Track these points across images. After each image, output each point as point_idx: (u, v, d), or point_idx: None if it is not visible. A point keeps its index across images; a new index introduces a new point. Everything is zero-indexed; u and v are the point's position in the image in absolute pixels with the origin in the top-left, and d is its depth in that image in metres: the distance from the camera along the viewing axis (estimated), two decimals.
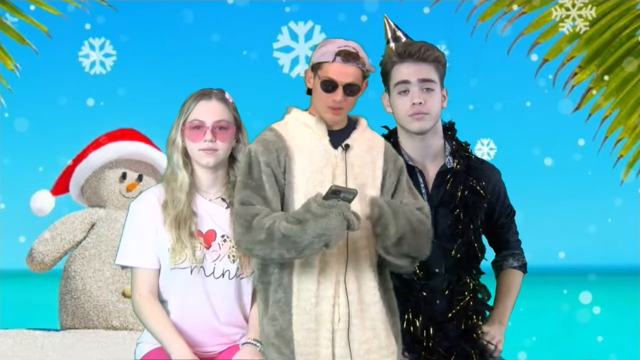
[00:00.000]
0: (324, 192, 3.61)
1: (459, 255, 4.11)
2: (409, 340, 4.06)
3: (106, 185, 6.58)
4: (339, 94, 3.72)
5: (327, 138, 3.77)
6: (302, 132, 3.77)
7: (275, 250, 3.61)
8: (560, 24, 7.50)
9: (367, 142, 3.83)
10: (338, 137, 3.79)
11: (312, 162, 3.73)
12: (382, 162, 3.82)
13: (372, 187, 3.78)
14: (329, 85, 3.72)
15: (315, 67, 3.76)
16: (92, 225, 6.46)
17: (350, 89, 3.74)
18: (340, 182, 3.70)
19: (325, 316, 3.69)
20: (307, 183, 3.70)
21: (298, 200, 3.69)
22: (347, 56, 3.72)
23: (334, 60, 3.72)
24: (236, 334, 4.03)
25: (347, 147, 3.77)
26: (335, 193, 3.57)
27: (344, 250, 3.70)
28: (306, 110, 3.84)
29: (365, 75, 3.78)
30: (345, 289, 3.71)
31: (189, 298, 3.97)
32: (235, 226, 3.74)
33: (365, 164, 3.79)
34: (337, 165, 3.74)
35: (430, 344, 4.07)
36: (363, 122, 3.86)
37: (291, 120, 3.81)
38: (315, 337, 3.69)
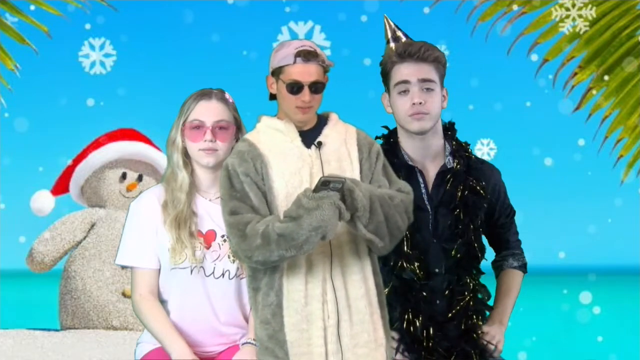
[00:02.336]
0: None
1: (459, 255, 4.10)
2: (409, 340, 4.06)
3: (106, 185, 6.59)
4: (305, 94, 3.75)
5: (299, 139, 3.78)
6: (274, 137, 3.79)
7: (275, 252, 3.61)
8: (560, 24, 7.50)
9: (339, 135, 3.83)
10: (310, 136, 3.80)
11: (288, 165, 3.74)
12: (356, 152, 3.83)
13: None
14: (294, 87, 3.75)
15: (277, 72, 3.79)
16: (92, 225, 6.47)
17: (316, 87, 3.76)
18: (318, 180, 3.69)
19: (315, 315, 3.69)
20: (287, 186, 3.71)
21: (280, 205, 3.70)
22: (307, 55, 3.75)
23: (294, 62, 3.75)
24: (236, 334, 4.03)
25: (319, 144, 3.79)
26: (324, 184, 3.58)
27: (327, 247, 3.71)
28: (275, 116, 3.85)
29: (325, 71, 3.81)
30: (333, 286, 3.72)
31: (188, 298, 3.97)
32: (230, 237, 3.74)
33: (341, 158, 3.80)
34: (313, 164, 3.75)
35: (430, 344, 4.07)
36: (333, 117, 3.87)
37: (262, 127, 3.83)
38: (307, 336, 3.70)
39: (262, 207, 3.71)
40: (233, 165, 3.75)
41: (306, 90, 3.75)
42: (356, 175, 3.79)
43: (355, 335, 3.72)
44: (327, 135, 3.82)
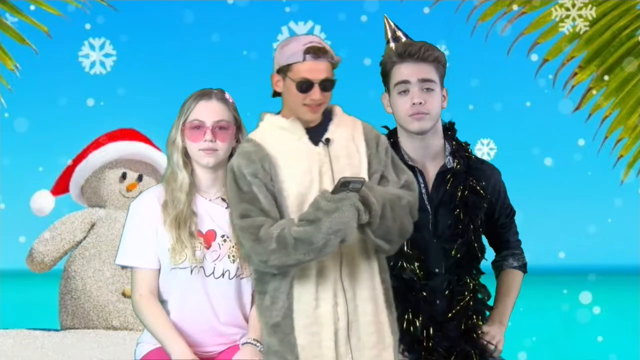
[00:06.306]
0: (313, 194, 3.56)
1: (459, 255, 4.11)
2: (409, 340, 4.06)
3: (106, 185, 6.58)
4: (316, 92, 3.62)
5: (306, 137, 3.66)
6: (280, 136, 3.66)
7: (292, 257, 3.51)
8: (560, 24, 7.50)
9: (347, 130, 3.72)
10: (316, 133, 3.68)
11: (297, 165, 3.62)
12: (364, 147, 3.71)
13: (363, 175, 3.67)
14: (304, 85, 3.61)
15: (284, 70, 3.65)
16: (92, 225, 6.47)
17: (326, 85, 3.63)
18: (327, 178, 3.62)
19: (326, 318, 3.62)
20: (298, 186, 3.60)
21: (290, 205, 3.60)
22: (317, 52, 3.62)
23: (304, 59, 3.61)
24: (236, 334, 4.03)
25: (327, 141, 3.67)
26: (344, 185, 3.49)
27: (337, 248, 3.60)
28: (278, 113, 3.74)
29: (334, 67, 3.68)
30: (342, 286, 3.65)
31: (189, 298, 3.97)
32: (242, 241, 3.63)
33: (351, 154, 3.69)
34: (323, 162, 3.64)
35: (430, 344, 4.07)
36: (338, 111, 3.75)
37: (266, 126, 3.70)
38: (319, 339, 3.62)
39: (272, 210, 3.59)
40: (239, 166, 3.63)
41: (316, 88, 3.62)
42: (364, 170, 3.69)
43: (363, 337, 3.67)
44: (334, 131, 3.70)
